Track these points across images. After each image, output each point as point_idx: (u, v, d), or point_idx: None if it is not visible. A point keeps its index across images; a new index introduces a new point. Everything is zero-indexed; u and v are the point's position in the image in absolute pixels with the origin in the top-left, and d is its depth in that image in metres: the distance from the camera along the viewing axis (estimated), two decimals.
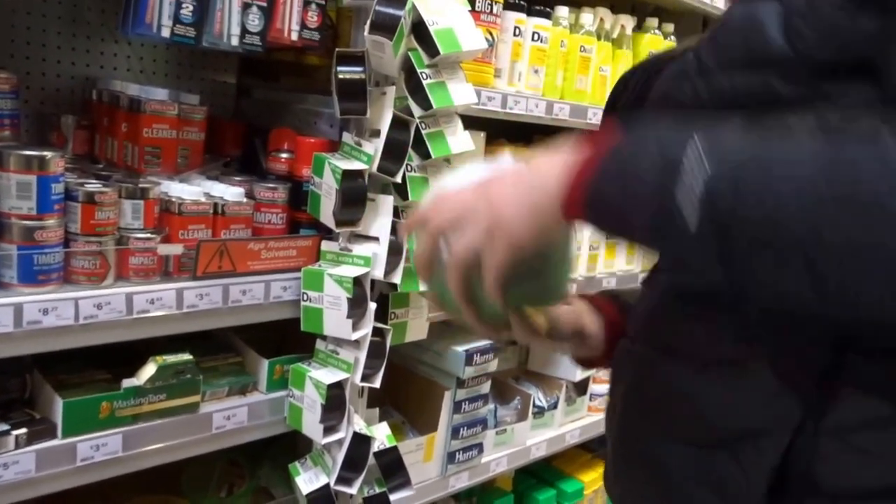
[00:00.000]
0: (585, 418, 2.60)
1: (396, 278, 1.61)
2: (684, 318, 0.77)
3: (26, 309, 1.22)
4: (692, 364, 0.75)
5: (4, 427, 1.25)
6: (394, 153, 1.54)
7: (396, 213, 1.57)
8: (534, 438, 2.37)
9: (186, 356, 1.44)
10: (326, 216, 1.56)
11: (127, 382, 1.38)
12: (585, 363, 1.02)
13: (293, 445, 1.76)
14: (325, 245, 1.61)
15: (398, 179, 1.56)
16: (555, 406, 2.43)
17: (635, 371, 0.83)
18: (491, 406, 2.19)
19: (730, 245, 0.60)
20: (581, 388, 2.56)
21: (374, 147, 1.53)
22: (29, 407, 1.35)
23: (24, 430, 1.26)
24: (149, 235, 1.38)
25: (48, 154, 1.24)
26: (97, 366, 1.48)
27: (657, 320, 0.81)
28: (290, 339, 1.72)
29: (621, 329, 0.92)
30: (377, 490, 1.70)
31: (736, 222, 0.60)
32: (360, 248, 1.59)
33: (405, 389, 2.08)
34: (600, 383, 2.62)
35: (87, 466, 1.34)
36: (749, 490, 0.71)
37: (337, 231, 1.57)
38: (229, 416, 1.54)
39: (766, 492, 0.70)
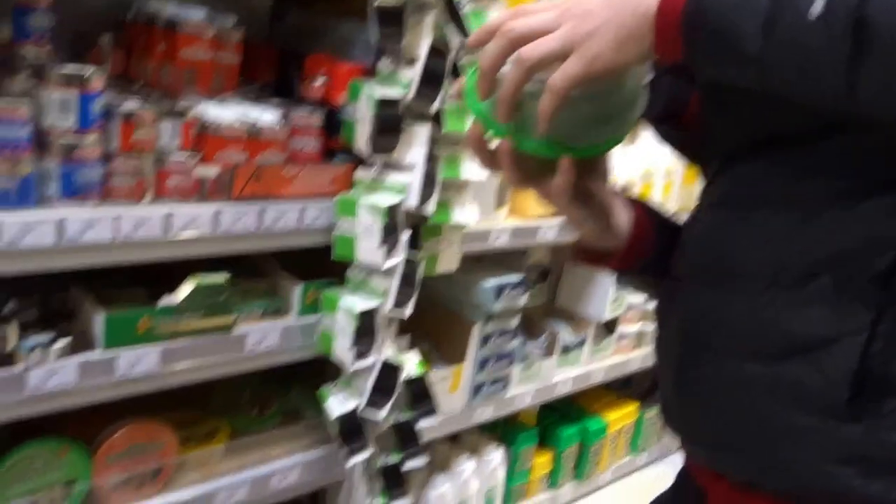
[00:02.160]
0: (612, 358, 2.65)
1: (429, 209, 1.64)
2: (749, 230, 0.78)
3: (68, 225, 1.27)
4: (759, 281, 0.77)
5: (47, 338, 1.31)
6: (431, 82, 1.55)
7: (431, 143, 1.59)
8: (560, 375, 2.42)
9: (222, 277, 1.50)
10: (361, 144, 1.58)
11: (164, 300, 1.44)
12: (589, 256, 0.97)
13: (322, 370, 1.82)
14: (359, 173, 1.64)
15: (435, 108, 1.57)
16: (582, 344, 2.48)
17: (692, 299, 0.84)
18: (518, 341, 2.24)
19: (868, 35, 0.59)
20: (609, 327, 2.60)
21: (411, 75, 1.54)
22: (70, 321, 1.42)
23: (66, 342, 1.33)
24: (186, 156, 1.42)
25: (89, 71, 1.27)
26: (135, 284, 1.54)
27: (717, 241, 0.82)
28: (321, 266, 1.77)
29: (645, 244, 0.93)
30: (404, 417, 1.77)
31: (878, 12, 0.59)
32: (393, 177, 1.61)
33: (433, 321, 2.13)
34: (628, 324, 2.66)
35: (125, 380, 1.41)
36: (829, 397, 0.73)
37: (371, 159, 1.60)
38: (262, 338, 1.60)
39: (847, 397, 0.72)
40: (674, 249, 0.91)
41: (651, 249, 0.93)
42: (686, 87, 0.93)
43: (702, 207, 0.88)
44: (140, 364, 1.42)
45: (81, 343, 1.35)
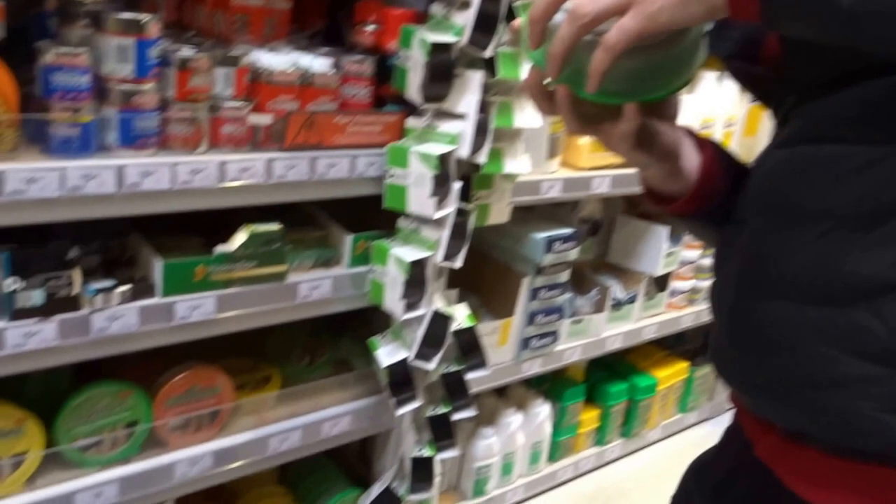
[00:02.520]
0: (664, 315, 2.65)
1: (482, 158, 1.64)
2: (819, 169, 0.77)
3: (127, 171, 1.31)
4: (824, 221, 0.76)
5: (110, 283, 1.37)
6: (485, 26, 1.54)
7: (484, 90, 1.59)
8: (610, 331, 2.43)
9: (275, 226, 1.53)
10: (413, 91, 1.59)
11: (220, 248, 1.48)
12: (656, 199, 0.96)
13: (371, 320, 1.86)
14: (411, 121, 1.65)
15: (488, 54, 1.57)
16: (633, 300, 2.48)
17: (753, 241, 0.84)
18: (568, 295, 2.25)
19: None
20: (661, 283, 2.59)
21: (464, 19, 1.54)
22: (130, 267, 1.47)
23: (127, 287, 1.38)
24: (239, 104, 1.44)
25: (146, 17, 1.29)
26: (190, 232, 1.59)
27: (784, 179, 0.81)
28: (371, 216, 1.79)
29: (713, 188, 0.92)
30: (453, 368, 1.80)
31: None
32: (446, 126, 1.62)
33: (482, 274, 2.15)
34: (681, 279, 2.65)
35: (183, 325, 1.46)
36: (891, 345, 0.73)
37: (423, 107, 1.61)
38: (314, 287, 1.63)
39: None
40: (740, 194, 0.90)
41: (718, 194, 0.92)
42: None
43: (771, 146, 0.87)
44: (197, 310, 1.47)
45: (141, 289, 1.40)
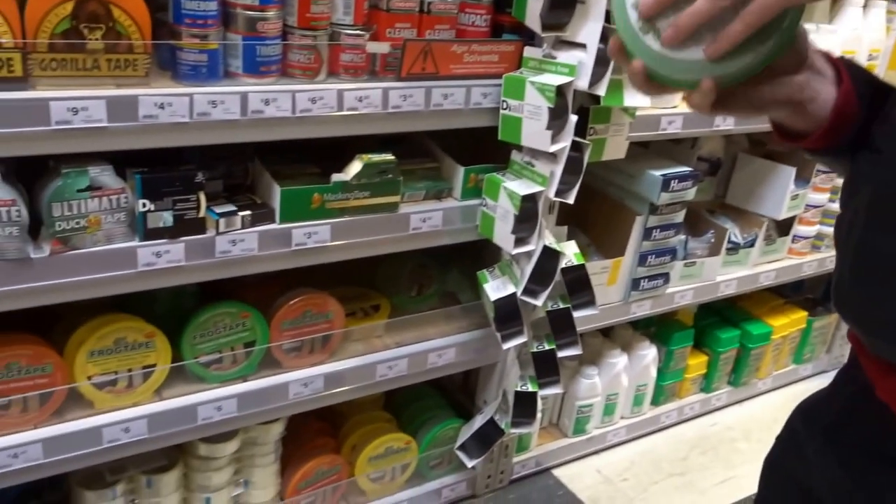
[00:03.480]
0: (784, 261, 2.59)
1: (601, 90, 1.64)
2: None
3: (251, 98, 1.38)
4: None
5: (232, 208, 1.46)
6: None
7: (608, 18, 1.57)
8: (724, 275, 2.40)
9: (389, 156, 1.58)
10: (532, 19, 1.59)
11: (336, 177, 1.55)
12: (784, 135, 0.94)
13: (480, 254, 1.91)
14: (528, 51, 1.65)
15: None
16: (751, 244, 2.43)
17: (890, 173, 0.82)
18: (682, 237, 2.23)
19: None
20: (783, 227, 2.53)
21: None
22: (250, 193, 1.56)
23: (248, 213, 1.47)
24: (358, 32, 1.49)
25: None
26: (307, 160, 1.66)
27: None
28: (482, 148, 1.82)
29: (848, 122, 0.89)
30: (561, 305, 1.83)
31: None
32: (564, 56, 1.62)
33: (594, 211, 2.16)
34: (806, 224, 2.57)
35: (299, 251, 1.55)
36: None
37: (542, 36, 1.61)
38: (425, 218, 1.69)
39: None
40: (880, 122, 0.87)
41: (854, 126, 0.90)
42: None
43: None
44: (312, 237, 1.55)
45: (261, 214, 1.49)
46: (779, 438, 1.12)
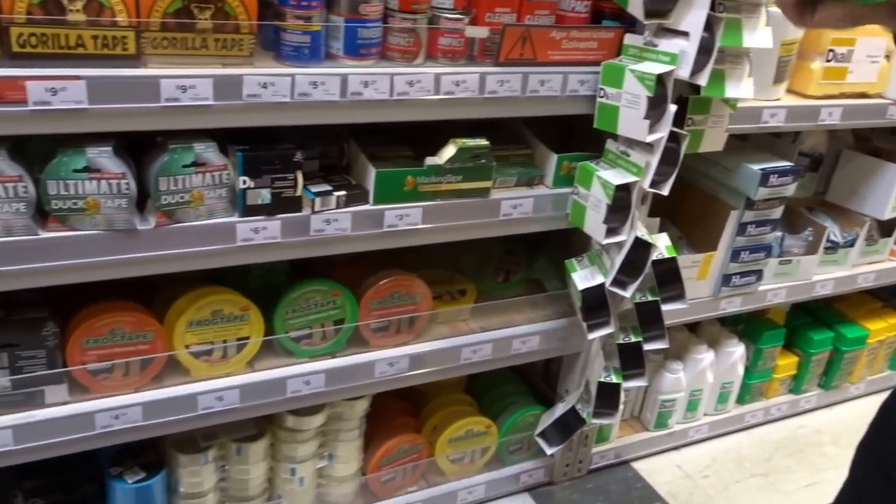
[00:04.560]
0: (884, 263, 2.47)
1: (702, 80, 1.58)
2: None
3: (350, 80, 1.39)
4: None
5: (328, 188, 1.47)
6: None
7: (713, 5, 1.52)
8: (820, 275, 2.31)
9: (483, 141, 1.57)
10: (634, 6, 1.54)
11: (429, 160, 1.54)
12: None
13: (568, 243, 1.88)
14: (629, 38, 1.61)
15: None
16: (851, 244, 2.32)
17: None
18: (779, 233, 2.15)
19: None
20: (886, 228, 2.40)
21: None
22: (345, 173, 1.57)
23: (343, 193, 1.48)
24: (458, 16, 1.47)
25: None
26: (400, 143, 1.66)
27: None
28: (575, 137, 1.79)
29: None
30: (650, 298, 1.79)
31: None
32: (666, 44, 1.57)
33: (687, 204, 2.10)
34: None
35: (390, 233, 1.55)
36: None
37: (644, 23, 1.56)
38: (516, 204, 1.67)
39: None
40: None
41: None
42: None
43: None
44: (404, 219, 1.55)
45: (355, 195, 1.50)
46: (872, 423, 1.08)
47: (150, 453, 1.64)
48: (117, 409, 1.45)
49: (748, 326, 2.43)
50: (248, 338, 1.54)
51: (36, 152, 1.28)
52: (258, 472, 1.72)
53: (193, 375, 1.53)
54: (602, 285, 1.74)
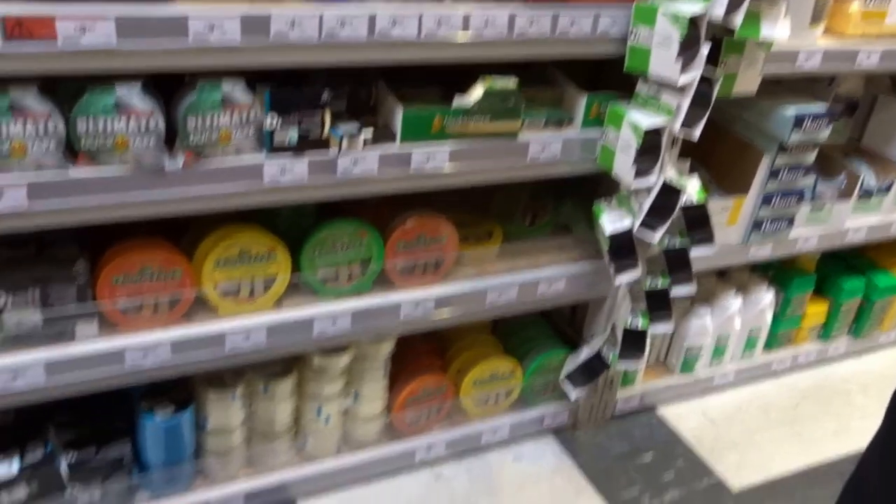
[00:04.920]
0: None
1: (737, 20, 1.54)
2: None
3: (378, 19, 1.37)
4: None
5: (354, 128, 1.47)
6: None
7: None
8: (853, 222, 2.27)
9: (512, 82, 1.55)
10: None
11: (457, 100, 1.53)
12: None
13: (596, 186, 1.87)
14: None
15: None
16: (887, 190, 2.28)
17: None
18: (811, 179, 2.12)
19: None
20: None
21: None
22: (372, 114, 1.57)
23: (370, 133, 1.47)
24: None
25: None
26: (427, 84, 1.65)
27: None
28: (603, 81, 1.76)
29: None
30: (678, 242, 1.78)
31: None
32: None
33: (718, 147, 2.07)
34: None
35: (417, 174, 1.55)
36: None
37: None
38: (543, 147, 1.66)
39: None
40: None
41: None
42: None
43: None
44: (431, 161, 1.55)
45: (382, 135, 1.50)
46: None
47: (180, 390, 1.68)
48: (146, 346, 1.48)
49: (778, 273, 2.41)
50: (274, 277, 1.56)
51: (66, 91, 1.29)
52: (285, 410, 1.76)
53: (221, 314, 1.55)
54: (630, 229, 1.73)
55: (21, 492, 1.55)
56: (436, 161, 1.55)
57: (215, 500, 1.75)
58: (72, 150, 1.29)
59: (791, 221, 2.11)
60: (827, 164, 2.23)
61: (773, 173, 2.01)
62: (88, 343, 1.45)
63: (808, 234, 2.20)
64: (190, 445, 1.70)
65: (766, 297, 2.32)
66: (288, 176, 1.44)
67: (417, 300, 1.71)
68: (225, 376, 1.70)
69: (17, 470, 1.53)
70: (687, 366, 2.30)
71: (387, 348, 1.81)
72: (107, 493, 1.63)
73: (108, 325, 1.47)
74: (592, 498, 1.99)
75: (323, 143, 1.44)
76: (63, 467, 1.57)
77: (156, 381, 1.59)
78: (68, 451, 1.57)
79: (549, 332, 2.14)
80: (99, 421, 1.65)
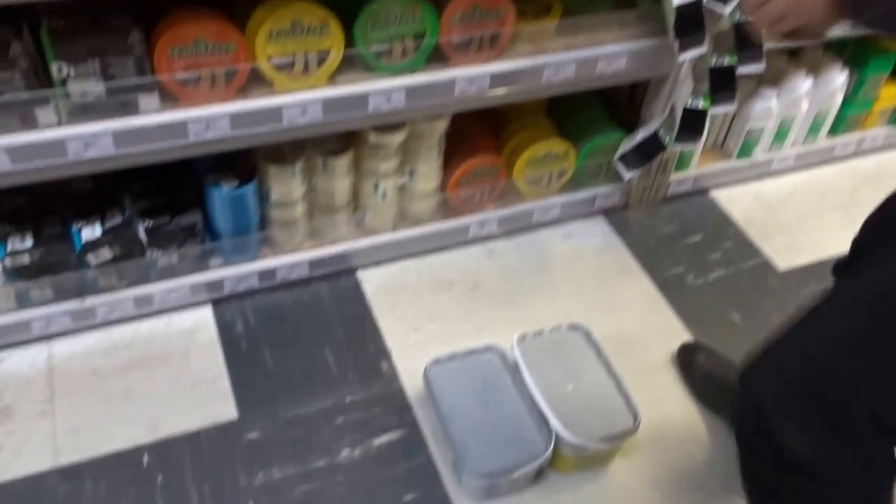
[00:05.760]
0: None
1: None
2: None
3: None
4: None
5: None
6: None
7: None
8: None
9: None
10: None
11: None
12: None
13: None
14: None
15: None
16: None
17: None
18: None
19: None
20: None
21: None
22: None
23: None
24: None
25: None
26: None
27: None
28: None
29: None
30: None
31: None
32: None
33: None
34: None
35: None
36: None
37: None
38: None
39: None
40: None
41: None
42: None
43: None
44: None
45: None
46: None
47: (244, 165, 1.73)
48: (207, 118, 1.51)
49: (855, 51, 2.27)
50: (328, 50, 1.54)
51: None
52: (343, 185, 1.80)
53: (276, 89, 1.55)
54: (699, 1, 1.63)
55: (106, 253, 1.66)
56: None
57: (282, 266, 1.85)
58: None
59: None
60: None
61: None
62: (152, 115, 1.47)
63: None
64: (255, 216, 1.78)
65: (838, 79, 2.22)
66: None
67: (472, 77, 1.68)
68: (285, 152, 1.73)
69: (101, 233, 1.64)
70: (745, 150, 2.26)
71: (441, 126, 1.81)
72: (183, 256, 1.74)
73: (169, 97, 1.49)
74: (638, 275, 2.05)
75: None
76: (141, 232, 1.67)
77: (220, 155, 1.63)
78: (144, 218, 1.66)
79: (604, 114, 2.10)
80: (171, 192, 1.72)
